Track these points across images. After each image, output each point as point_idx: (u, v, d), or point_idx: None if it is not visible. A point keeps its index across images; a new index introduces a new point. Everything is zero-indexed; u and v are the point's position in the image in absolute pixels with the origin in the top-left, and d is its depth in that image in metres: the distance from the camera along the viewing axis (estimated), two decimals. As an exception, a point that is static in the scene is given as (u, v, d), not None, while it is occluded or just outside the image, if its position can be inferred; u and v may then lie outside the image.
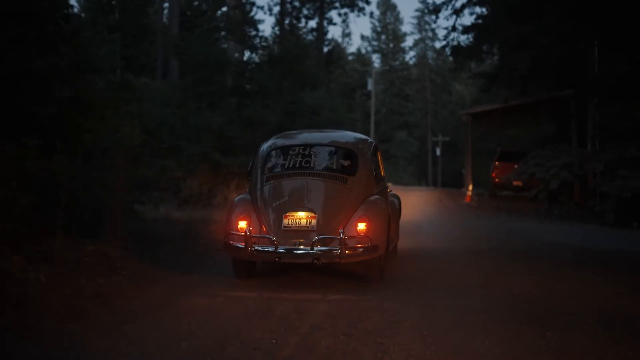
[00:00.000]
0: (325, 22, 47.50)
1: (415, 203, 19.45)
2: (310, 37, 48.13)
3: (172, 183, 13.59)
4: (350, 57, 71.05)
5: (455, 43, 20.63)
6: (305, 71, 16.51)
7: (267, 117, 14.21)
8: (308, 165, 6.16)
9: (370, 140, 7.27)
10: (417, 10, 76.64)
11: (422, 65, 67.90)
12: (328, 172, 6.13)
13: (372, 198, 6.16)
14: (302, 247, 5.57)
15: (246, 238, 5.54)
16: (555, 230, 13.08)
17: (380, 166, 7.08)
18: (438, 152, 58.60)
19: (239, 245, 5.62)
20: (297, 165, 6.16)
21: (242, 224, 5.77)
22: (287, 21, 45.64)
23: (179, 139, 14.55)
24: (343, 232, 5.51)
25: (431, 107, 62.79)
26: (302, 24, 47.84)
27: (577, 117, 18.71)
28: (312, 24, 47.28)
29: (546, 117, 23.45)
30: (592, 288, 5.69)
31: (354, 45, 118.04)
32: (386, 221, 6.07)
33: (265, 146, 6.59)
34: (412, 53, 72.88)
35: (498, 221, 14.76)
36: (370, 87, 47.01)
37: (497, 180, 20.83)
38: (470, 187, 21.86)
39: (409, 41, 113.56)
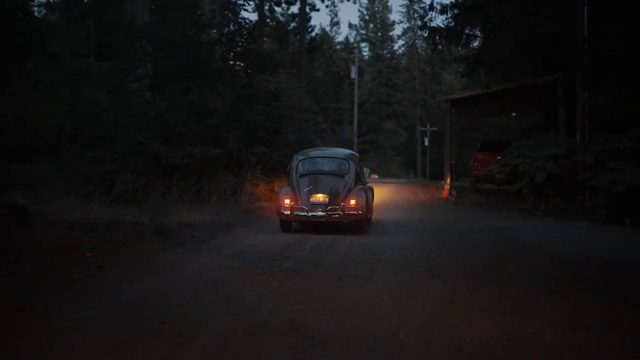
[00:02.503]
0: (307, 8, 45.64)
1: (387, 199, 17.89)
2: (293, 24, 46.38)
3: (104, 177, 11.92)
4: (338, 47, 69.51)
5: (433, 24, 18.86)
6: (261, 52, 14.74)
7: (213, 103, 12.44)
8: (322, 168, 10.73)
9: (356, 154, 12.24)
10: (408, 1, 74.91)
11: (411, 54, 66.48)
12: (333, 172, 10.62)
13: (358, 187, 10.54)
14: (320, 212, 9.96)
15: (291, 208, 10.04)
16: (539, 230, 11.54)
17: (362, 169, 11.68)
18: (427, 142, 57.52)
19: (287, 212, 10.09)
20: (316, 169, 10.73)
21: (287, 201, 10.12)
22: (266, 7, 43.76)
23: (116, 127, 12.84)
24: (343, 205, 9.98)
25: (420, 97, 61.26)
26: (283, 9, 46.05)
27: (565, 105, 17.10)
28: (294, 9, 45.42)
29: (534, 105, 21.83)
30: (572, 335, 3.96)
31: (343, 34, 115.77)
32: (365, 200, 10.38)
33: (296, 159, 11.05)
34: (400, 42, 71.46)
35: (475, 220, 13.14)
36: (353, 74, 45.22)
37: (477, 172, 19.19)
38: (448, 181, 20.22)
39: (397, 30, 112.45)
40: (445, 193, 18.81)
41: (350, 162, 10.88)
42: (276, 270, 6.17)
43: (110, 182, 11.80)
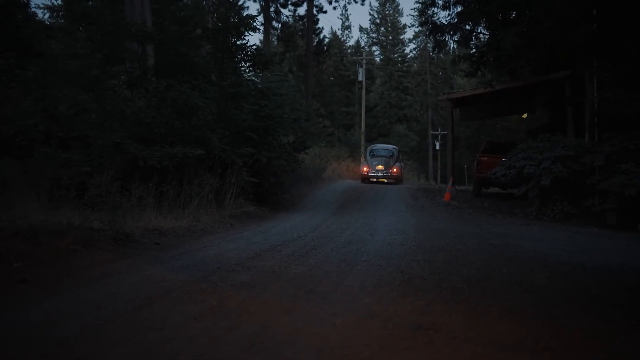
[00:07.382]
0: (315, 10, 44.92)
1: (383, 202, 17.05)
2: (300, 26, 45.61)
3: (77, 180, 11.17)
4: (349, 50, 68.87)
5: (436, 20, 17.96)
6: (248, 48, 13.97)
7: (195, 101, 11.65)
8: (381, 154, 27.96)
9: (397, 147, 30.23)
10: (417, 1, 73.95)
11: (422, 57, 65.72)
12: (386, 155, 27.76)
13: (397, 163, 27.77)
14: (380, 174, 26.92)
15: (367, 172, 27.14)
16: (543, 237, 10.67)
17: (400, 154, 30.16)
18: (437, 146, 56.79)
19: (364, 174, 27.13)
20: (377, 154, 27.92)
21: (365, 169, 27.46)
22: (272, 8, 43.05)
23: (93, 127, 12.11)
24: (390, 171, 26.93)
25: (432, 101, 60.40)
26: (290, 11, 45.35)
27: (573, 103, 16.17)
28: (301, 11, 44.69)
29: (540, 105, 20.90)
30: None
31: (354, 38, 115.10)
32: (401, 170, 28.07)
33: (368, 149, 29.38)
34: (412, 45, 70.71)
35: (475, 225, 12.25)
36: (360, 77, 44.37)
37: (481, 175, 18.28)
38: (450, 184, 19.32)
39: (409, 33, 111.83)
40: (446, 197, 17.90)
41: (394, 151, 27.84)
42: (226, 285, 5.34)
43: (83, 186, 11.09)
